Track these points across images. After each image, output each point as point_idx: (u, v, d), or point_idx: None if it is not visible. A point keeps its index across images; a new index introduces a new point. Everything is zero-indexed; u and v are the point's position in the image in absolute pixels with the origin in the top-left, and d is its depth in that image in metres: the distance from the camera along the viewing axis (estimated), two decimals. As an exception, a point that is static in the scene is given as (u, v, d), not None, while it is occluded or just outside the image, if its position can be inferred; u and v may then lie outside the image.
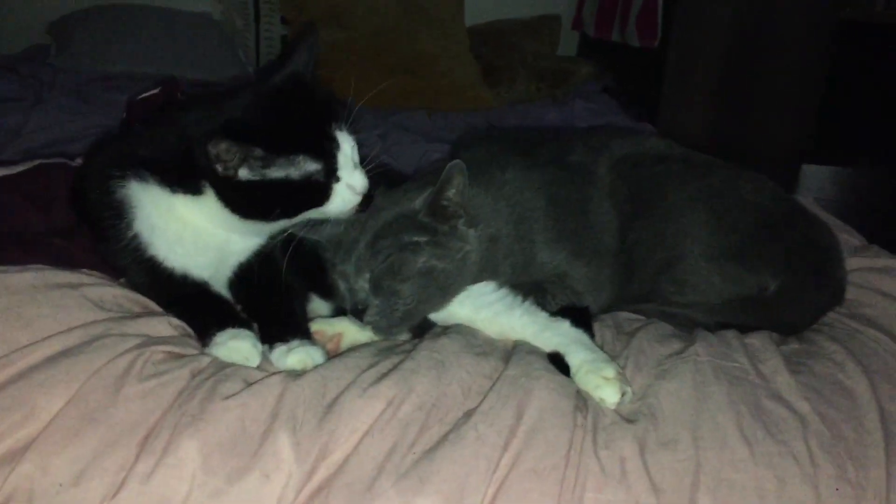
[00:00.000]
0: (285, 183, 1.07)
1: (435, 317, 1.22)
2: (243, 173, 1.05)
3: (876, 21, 3.57)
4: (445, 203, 1.19)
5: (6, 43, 3.27)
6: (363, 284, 1.16)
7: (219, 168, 1.05)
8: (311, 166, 1.08)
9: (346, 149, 1.12)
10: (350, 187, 1.12)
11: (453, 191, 1.18)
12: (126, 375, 0.95)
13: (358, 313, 1.16)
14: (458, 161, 1.16)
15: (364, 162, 1.17)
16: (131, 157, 1.13)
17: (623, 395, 1.04)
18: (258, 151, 1.04)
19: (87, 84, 2.72)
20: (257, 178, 1.06)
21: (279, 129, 1.08)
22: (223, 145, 1.02)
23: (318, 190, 1.10)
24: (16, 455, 0.89)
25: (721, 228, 1.36)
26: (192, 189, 1.10)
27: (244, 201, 1.08)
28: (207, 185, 1.09)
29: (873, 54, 3.30)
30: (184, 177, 1.10)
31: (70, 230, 1.23)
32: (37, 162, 1.38)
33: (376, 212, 1.22)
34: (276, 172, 1.06)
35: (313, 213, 1.12)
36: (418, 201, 1.21)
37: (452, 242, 1.20)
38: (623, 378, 1.07)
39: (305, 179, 1.08)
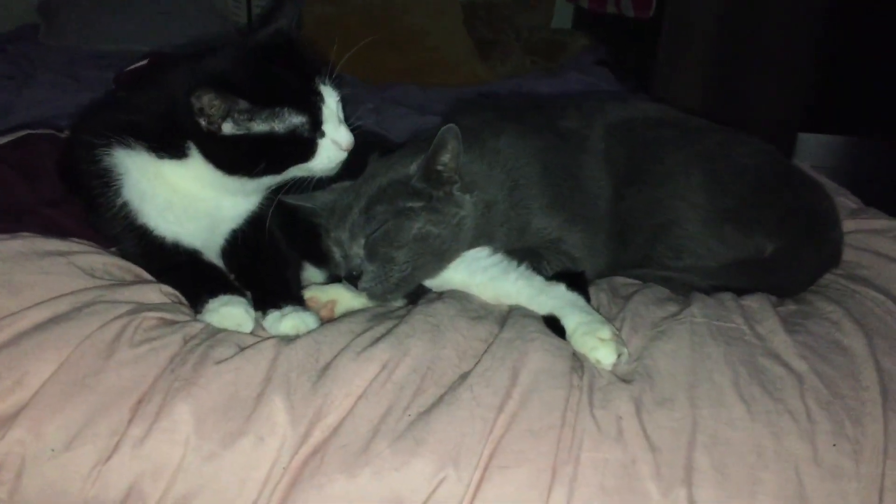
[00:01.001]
0: (270, 137, 1.06)
1: (430, 283, 1.21)
2: (227, 127, 1.05)
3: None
4: (440, 168, 1.18)
5: (-4, 23, 3.24)
6: (358, 251, 1.16)
7: (202, 122, 1.04)
8: (295, 119, 1.07)
9: (331, 103, 1.12)
10: (335, 143, 1.12)
11: (448, 155, 1.17)
12: (117, 341, 0.95)
13: (353, 279, 1.15)
14: (451, 125, 1.15)
15: (349, 121, 1.16)
16: (116, 124, 1.12)
17: (619, 356, 1.04)
18: (242, 104, 1.03)
19: (77, 62, 2.70)
20: (242, 132, 1.05)
21: (263, 81, 1.07)
22: (206, 97, 1.02)
23: (303, 144, 1.10)
24: (7, 421, 0.88)
25: (717, 192, 1.35)
26: (178, 152, 1.09)
27: (229, 157, 1.08)
28: (192, 146, 1.08)
29: (873, 24, 3.27)
30: (168, 140, 1.09)
31: (59, 200, 1.22)
32: (24, 132, 1.37)
33: (370, 178, 1.21)
34: (260, 126, 1.06)
35: (298, 170, 1.12)
36: (412, 166, 1.20)
37: (448, 208, 1.19)
38: (619, 339, 1.06)
39: (290, 133, 1.08)
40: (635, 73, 2.95)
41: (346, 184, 1.23)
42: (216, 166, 1.09)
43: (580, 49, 3.11)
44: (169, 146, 1.10)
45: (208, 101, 1.03)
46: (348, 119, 1.16)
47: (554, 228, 1.33)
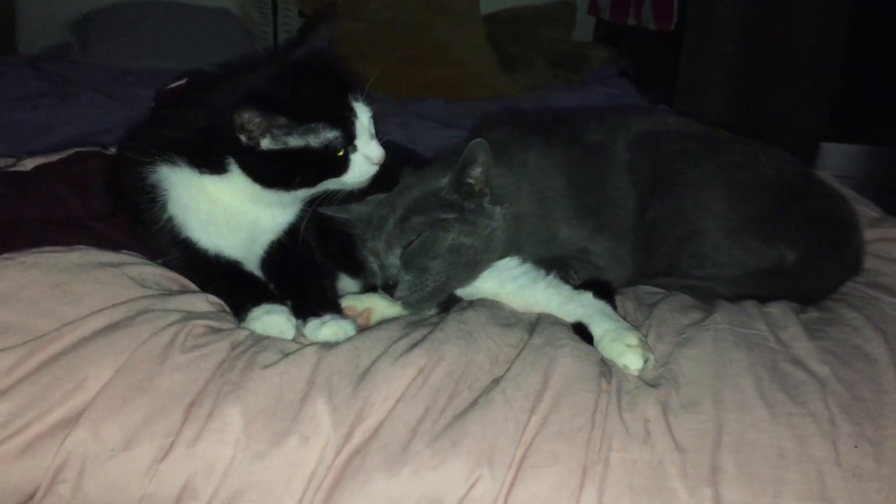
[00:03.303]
0: (306, 151, 1.12)
1: (461, 292, 1.25)
2: (266, 143, 1.10)
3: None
4: (471, 181, 1.22)
5: (30, 42, 3.34)
6: (394, 261, 1.20)
7: (243, 138, 1.09)
8: (329, 134, 1.13)
9: (364, 119, 1.17)
10: (367, 157, 1.17)
11: (479, 169, 1.21)
12: (170, 347, 1.00)
13: (389, 289, 1.20)
14: (480, 139, 1.20)
15: (379, 135, 1.21)
16: (160, 142, 1.18)
17: (646, 361, 1.08)
18: (281, 119, 1.09)
19: (110, 80, 2.78)
20: (279, 146, 1.11)
21: (300, 98, 1.13)
22: (247, 114, 1.07)
23: (337, 158, 1.15)
24: (69, 423, 0.94)
25: (739, 202, 1.38)
26: (219, 167, 1.15)
27: (266, 171, 1.13)
28: (232, 161, 1.13)
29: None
30: (209, 155, 1.15)
31: (109, 215, 1.28)
32: (73, 150, 1.44)
33: (404, 190, 1.26)
34: (296, 141, 1.11)
35: (332, 183, 1.17)
36: (445, 179, 1.24)
37: (480, 220, 1.23)
38: (645, 345, 1.10)
39: (324, 148, 1.13)
40: (657, 84, 2.98)
41: (381, 196, 1.28)
42: (254, 180, 1.14)
43: (602, 61, 3.15)
44: (210, 162, 1.15)
45: (249, 118, 1.08)
46: (379, 134, 1.21)
47: (580, 239, 1.37)
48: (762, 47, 2.75)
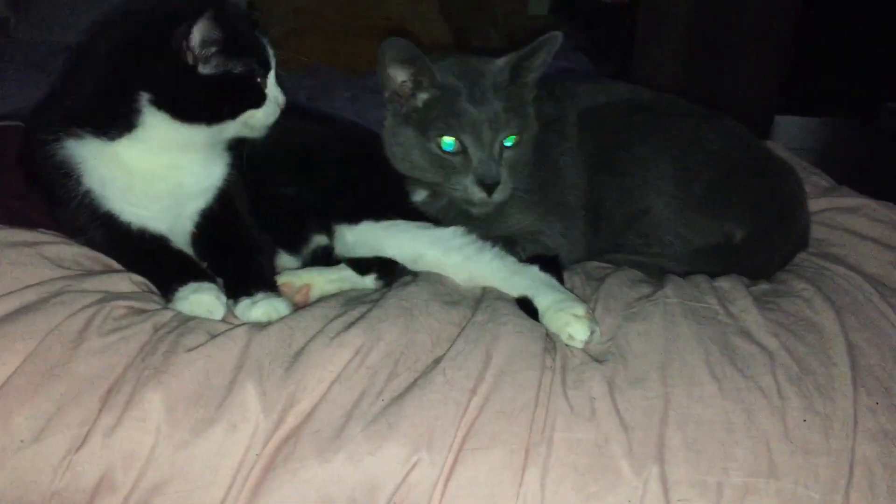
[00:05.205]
0: (229, 77, 1.08)
1: (403, 259, 1.20)
2: (211, 65, 1.07)
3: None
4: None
5: (-37, 17, 3.19)
6: (494, 155, 1.19)
7: (189, 56, 1.05)
8: (251, 59, 1.10)
9: (271, 58, 1.15)
10: (274, 98, 1.15)
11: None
12: (86, 331, 0.93)
13: (487, 188, 1.20)
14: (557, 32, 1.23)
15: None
16: (61, 115, 1.11)
17: (592, 333, 1.04)
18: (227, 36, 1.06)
19: (48, 56, 2.66)
20: (209, 71, 1.07)
21: (229, 24, 1.08)
22: (206, 27, 1.03)
23: (256, 86, 1.12)
24: (-26, 413, 0.87)
25: (685, 179, 1.35)
26: (127, 124, 1.08)
27: (191, 101, 1.08)
28: (145, 104, 1.07)
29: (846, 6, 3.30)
30: (114, 111, 1.08)
31: (26, 193, 1.20)
32: (-13, 125, 1.35)
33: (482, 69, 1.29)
34: (232, 64, 1.08)
35: (249, 117, 1.13)
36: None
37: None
38: (592, 317, 1.06)
39: (249, 73, 1.10)
40: (613, 58, 2.96)
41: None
42: (173, 115, 1.07)
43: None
44: (117, 120, 1.08)
45: (206, 31, 1.03)
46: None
47: (532, 221, 1.34)
48: (716, 19, 2.74)
